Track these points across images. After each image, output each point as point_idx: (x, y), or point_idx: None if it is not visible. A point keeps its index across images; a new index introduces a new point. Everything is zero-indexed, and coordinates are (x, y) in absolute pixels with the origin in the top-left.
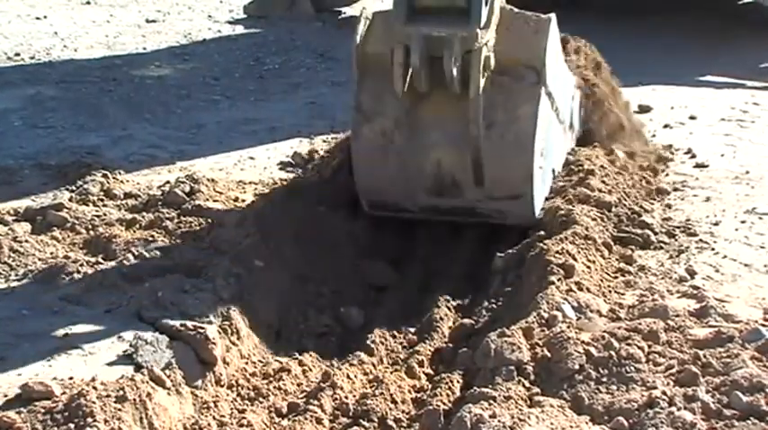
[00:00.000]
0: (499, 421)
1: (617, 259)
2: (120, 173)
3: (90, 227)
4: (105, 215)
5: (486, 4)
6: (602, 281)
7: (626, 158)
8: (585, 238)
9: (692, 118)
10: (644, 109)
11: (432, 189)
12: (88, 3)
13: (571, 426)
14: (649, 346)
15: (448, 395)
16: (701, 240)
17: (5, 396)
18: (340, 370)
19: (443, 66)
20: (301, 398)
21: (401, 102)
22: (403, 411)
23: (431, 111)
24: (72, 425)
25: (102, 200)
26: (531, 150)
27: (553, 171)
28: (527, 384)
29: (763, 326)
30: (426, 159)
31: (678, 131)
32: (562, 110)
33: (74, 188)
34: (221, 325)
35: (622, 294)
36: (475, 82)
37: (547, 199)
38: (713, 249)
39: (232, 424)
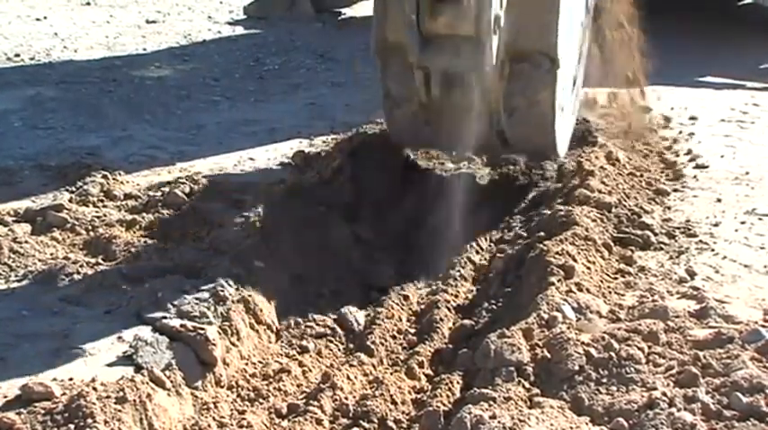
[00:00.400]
0: (499, 422)
1: (617, 260)
2: (119, 174)
3: (90, 227)
4: (105, 216)
5: (496, 33)
6: (602, 281)
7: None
8: (585, 239)
9: (692, 119)
10: (643, 109)
11: (466, 150)
12: (88, 3)
13: (571, 427)
14: (649, 347)
15: (448, 396)
16: (700, 241)
17: (5, 397)
18: (340, 370)
19: (462, 90)
20: (301, 398)
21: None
22: (403, 412)
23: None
24: (72, 426)
25: (101, 201)
26: (552, 128)
27: (574, 79)
28: (527, 385)
29: (763, 327)
30: (457, 133)
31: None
32: (576, 34)
33: (74, 189)
34: (221, 325)
35: (622, 295)
36: (496, 111)
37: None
38: (713, 250)
39: (232, 425)
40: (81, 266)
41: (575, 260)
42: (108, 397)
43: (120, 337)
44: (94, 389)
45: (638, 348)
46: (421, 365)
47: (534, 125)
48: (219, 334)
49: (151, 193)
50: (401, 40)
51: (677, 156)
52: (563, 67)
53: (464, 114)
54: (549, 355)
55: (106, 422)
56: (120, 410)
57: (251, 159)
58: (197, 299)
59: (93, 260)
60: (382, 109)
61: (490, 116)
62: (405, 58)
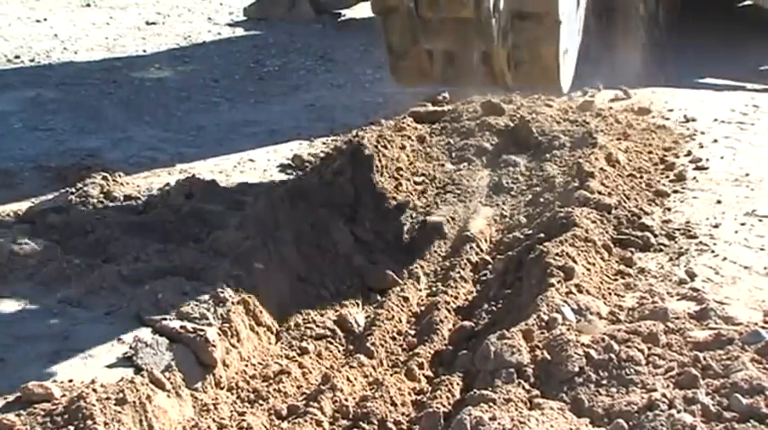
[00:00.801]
0: (499, 424)
1: (617, 261)
2: (119, 175)
3: (90, 229)
4: (105, 217)
5: (495, 17)
6: (601, 283)
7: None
8: (585, 241)
9: (692, 120)
10: (643, 111)
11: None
12: (88, 5)
13: (571, 429)
14: (649, 349)
15: (448, 397)
16: (700, 242)
17: (5, 398)
18: (340, 372)
19: (465, 68)
20: (301, 400)
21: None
22: (403, 413)
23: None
24: (72, 428)
25: (102, 202)
26: (557, 76)
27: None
28: (527, 386)
29: (763, 328)
30: (462, 90)
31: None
32: None
33: (74, 190)
34: (221, 327)
35: (622, 296)
36: (500, 74)
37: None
38: (713, 251)
39: (232, 426)
40: (81, 268)
41: (575, 261)
42: (108, 398)
43: (119, 339)
44: (94, 390)
45: (638, 349)
46: (421, 367)
47: (539, 76)
48: (219, 335)
49: (151, 194)
50: (399, 3)
51: (677, 157)
52: (566, 16)
53: (467, 82)
54: (548, 357)
55: (106, 423)
56: (119, 411)
57: (251, 161)
58: (197, 300)
59: (93, 262)
60: (387, 60)
61: (494, 69)
62: (403, 17)
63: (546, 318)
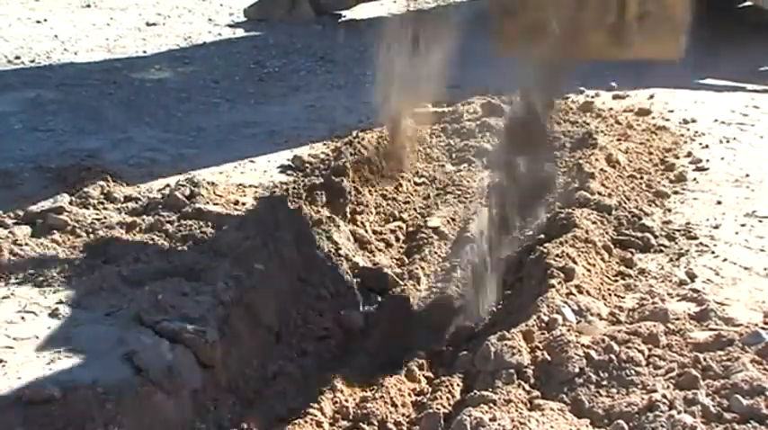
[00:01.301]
0: (499, 424)
1: (617, 262)
2: (120, 176)
3: (90, 230)
4: (105, 218)
5: None
6: (602, 284)
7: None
8: (585, 242)
9: (692, 121)
10: (643, 112)
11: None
12: (88, 6)
13: (571, 429)
14: (649, 349)
15: (448, 398)
16: (701, 243)
17: (6, 399)
18: (340, 373)
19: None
20: (301, 401)
21: None
22: (403, 414)
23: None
24: (72, 428)
25: (102, 203)
26: (682, 33)
27: None
28: (527, 387)
29: (764, 329)
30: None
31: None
32: None
33: (74, 191)
34: (221, 328)
35: (622, 297)
36: (629, 25)
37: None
38: (713, 252)
39: (231, 427)
40: (81, 269)
41: (575, 262)
42: (108, 399)
43: (120, 340)
44: (94, 390)
45: (639, 350)
46: (421, 367)
47: (666, 30)
48: (219, 336)
49: (151, 196)
50: None
51: (677, 158)
52: None
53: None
54: (549, 358)
55: (106, 424)
56: (119, 412)
57: (251, 161)
58: (197, 301)
59: (93, 262)
60: (492, 23)
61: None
62: None
63: (546, 318)
